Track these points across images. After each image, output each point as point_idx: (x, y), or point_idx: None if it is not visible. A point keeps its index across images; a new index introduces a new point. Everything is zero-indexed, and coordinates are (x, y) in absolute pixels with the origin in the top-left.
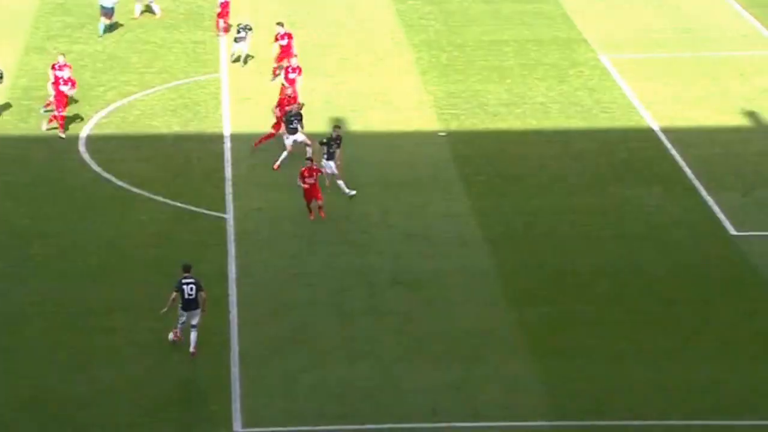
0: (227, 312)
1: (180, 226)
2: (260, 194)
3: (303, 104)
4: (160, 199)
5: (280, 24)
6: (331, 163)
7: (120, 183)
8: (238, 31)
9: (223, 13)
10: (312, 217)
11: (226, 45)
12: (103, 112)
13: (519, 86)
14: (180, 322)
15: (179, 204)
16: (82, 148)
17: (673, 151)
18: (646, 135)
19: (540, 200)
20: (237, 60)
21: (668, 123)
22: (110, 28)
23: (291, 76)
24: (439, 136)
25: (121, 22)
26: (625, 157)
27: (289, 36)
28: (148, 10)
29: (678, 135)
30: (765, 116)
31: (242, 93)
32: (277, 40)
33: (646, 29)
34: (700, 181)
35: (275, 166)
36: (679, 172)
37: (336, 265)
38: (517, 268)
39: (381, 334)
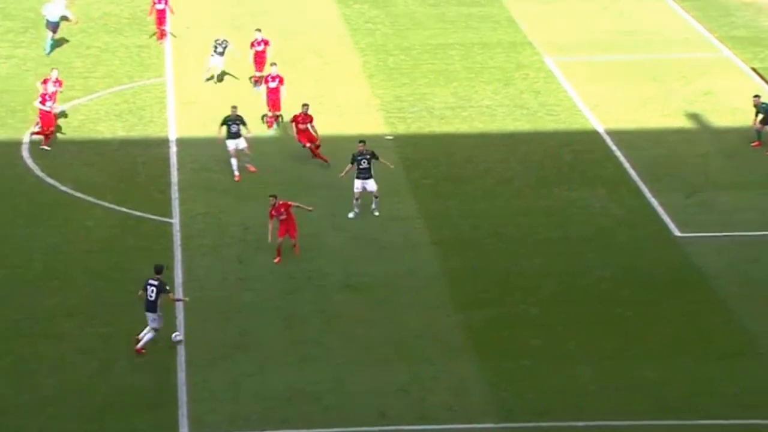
0: (173, 317)
1: (125, 232)
2: (206, 199)
3: (281, 114)
4: (106, 204)
5: (258, 30)
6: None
7: (64, 188)
8: (215, 47)
9: (160, 19)
10: (278, 261)
11: (171, 48)
12: None
13: (465, 89)
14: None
15: (125, 209)
16: (25, 153)
17: (618, 153)
18: (591, 137)
19: (486, 203)
20: (211, 78)
21: (613, 125)
22: (56, 43)
23: (271, 85)
24: (386, 139)
25: (63, 26)
26: (571, 160)
27: (266, 43)
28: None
29: (623, 137)
30: (707, 118)
31: (187, 97)
32: (253, 46)
33: (591, 32)
34: (644, 182)
35: (236, 178)
36: (623, 173)
37: (283, 269)
38: (464, 270)
39: (329, 337)
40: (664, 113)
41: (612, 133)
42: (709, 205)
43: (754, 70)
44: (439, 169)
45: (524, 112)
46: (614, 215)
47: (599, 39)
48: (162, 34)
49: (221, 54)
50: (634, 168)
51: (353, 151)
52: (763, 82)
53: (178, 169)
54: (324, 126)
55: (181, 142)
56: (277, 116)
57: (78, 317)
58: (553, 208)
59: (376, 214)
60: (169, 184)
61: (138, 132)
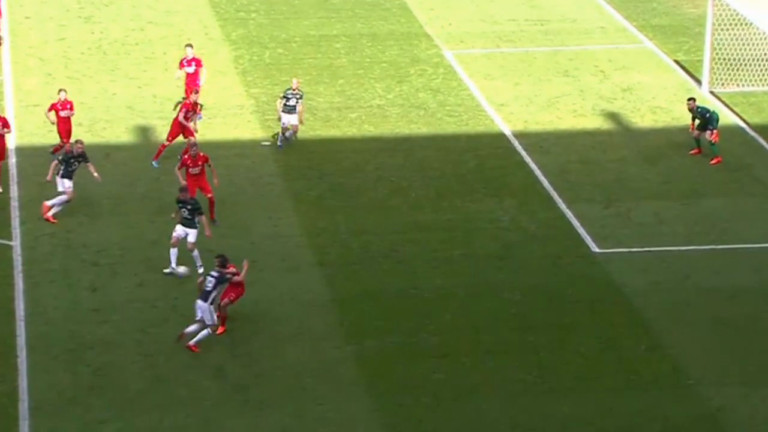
0: (15, 357)
1: None
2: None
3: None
4: None
5: (189, 46)
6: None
7: None
8: (287, 98)
9: None
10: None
11: (8, 44)
12: None
13: (353, 87)
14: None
15: None
16: None
17: (528, 159)
18: (496, 141)
19: (379, 217)
20: (278, 137)
21: (521, 127)
22: None
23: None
24: (262, 145)
25: None
26: (474, 166)
27: (198, 62)
28: None
29: (532, 140)
30: (627, 118)
31: (29, 99)
32: (182, 66)
33: (496, 22)
34: (557, 192)
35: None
36: (534, 182)
37: (143, 297)
38: (354, 294)
39: (197, 375)
40: (578, 113)
41: (520, 136)
42: (630, 217)
43: (678, 63)
44: (325, 179)
45: (421, 113)
46: (524, 229)
47: (505, 30)
48: None
49: (293, 109)
50: (545, 175)
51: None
52: (688, 77)
53: (19, 184)
54: (189, 131)
55: (22, 152)
56: (198, 104)
57: None
58: (455, 222)
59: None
60: (8, 201)
61: None
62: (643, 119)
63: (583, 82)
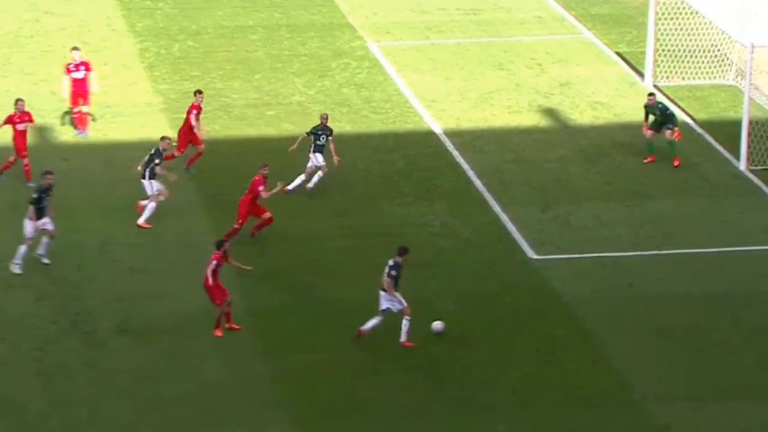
0: None
1: None
2: None
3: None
4: None
5: (75, 49)
6: None
7: None
8: (317, 135)
9: None
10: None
11: None
12: None
13: (270, 83)
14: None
15: None
16: None
17: (460, 159)
18: (426, 140)
19: (300, 222)
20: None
21: (453, 125)
22: None
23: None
24: (172, 146)
25: None
26: (403, 168)
27: (87, 66)
28: None
29: (464, 139)
30: (565, 114)
31: None
32: (69, 72)
33: (424, 11)
34: (492, 194)
35: None
36: (467, 184)
37: (40, 312)
38: (274, 307)
39: (102, 397)
40: (513, 109)
41: (452, 135)
42: (570, 221)
43: (620, 55)
44: (240, 183)
45: (345, 111)
46: (457, 235)
47: (435, 20)
48: None
49: (322, 148)
50: (479, 177)
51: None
52: (630, 70)
53: None
54: (90, 131)
55: None
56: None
57: None
58: (382, 227)
59: None
60: None
61: None
62: (582, 115)
63: (519, 76)
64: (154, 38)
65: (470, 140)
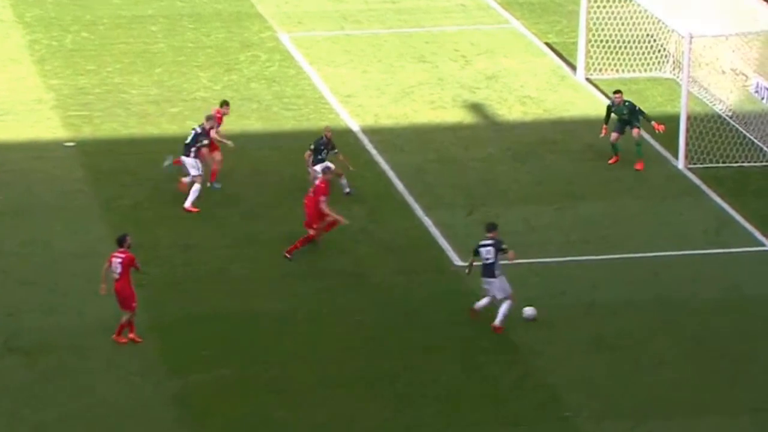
0: None
1: None
2: None
3: None
4: None
5: None
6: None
7: None
8: (319, 149)
9: None
10: None
11: None
12: None
13: (173, 77)
14: None
15: None
16: None
17: (379, 159)
18: (343, 138)
19: (207, 229)
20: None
21: (371, 121)
22: None
23: None
24: (65, 146)
25: None
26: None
27: None
28: None
29: (384, 137)
30: (492, 109)
31: None
32: None
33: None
34: (413, 196)
35: None
36: (387, 185)
37: None
38: (177, 320)
39: None
40: (436, 104)
41: (370, 132)
42: (498, 224)
43: (550, 45)
44: (142, 186)
45: (254, 107)
46: (377, 240)
47: (350, 9)
48: None
49: (322, 160)
50: (400, 178)
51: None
52: (561, 62)
53: None
54: None
55: None
56: None
57: None
58: (295, 234)
59: None
60: None
61: None
62: (510, 111)
63: (442, 68)
64: (45, 29)
65: (390, 138)
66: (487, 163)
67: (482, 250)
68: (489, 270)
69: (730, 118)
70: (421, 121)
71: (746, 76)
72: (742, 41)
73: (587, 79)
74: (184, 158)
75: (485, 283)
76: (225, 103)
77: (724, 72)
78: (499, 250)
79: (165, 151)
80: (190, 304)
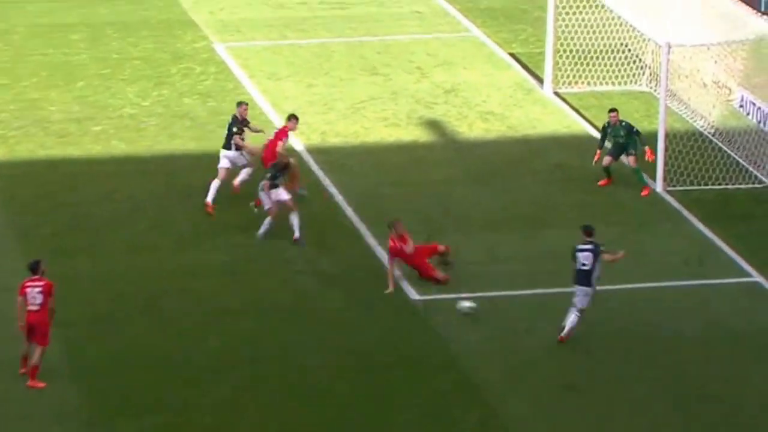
0: None
1: None
2: None
3: None
4: None
5: None
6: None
7: None
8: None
9: None
10: None
11: None
12: None
13: (97, 92)
14: None
15: None
16: None
17: (326, 181)
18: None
19: (134, 260)
20: None
21: (317, 140)
22: None
23: None
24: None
25: None
26: (251, 193)
27: None
28: None
29: (332, 157)
30: (452, 127)
31: None
32: None
33: (282, 5)
34: (365, 223)
35: None
36: (335, 211)
37: None
38: (101, 362)
39: None
40: (389, 121)
41: (316, 152)
42: (458, 254)
43: (514, 56)
44: (61, 212)
45: (188, 125)
46: (323, 272)
47: (294, 15)
48: None
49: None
50: (349, 202)
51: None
52: (527, 74)
53: None
54: None
55: None
56: None
57: None
58: (234, 264)
59: None
60: None
61: None
62: (471, 128)
63: (396, 81)
64: None
65: (339, 159)
66: (445, 186)
67: (580, 255)
68: (585, 278)
69: (713, 135)
70: (372, 140)
71: (730, 89)
72: (726, 51)
73: (555, 93)
74: (224, 152)
75: (579, 292)
76: (293, 117)
77: (705, 85)
78: (597, 255)
79: (87, 173)
80: (115, 343)
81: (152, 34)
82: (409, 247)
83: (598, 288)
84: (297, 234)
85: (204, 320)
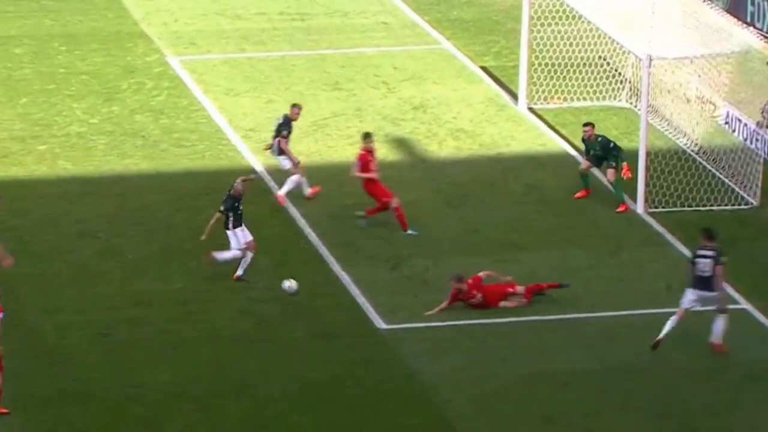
0: None
1: None
2: None
3: None
4: None
5: None
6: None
7: None
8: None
9: None
10: None
11: None
12: None
13: (41, 109)
14: None
15: None
16: None
17: (288, 204)
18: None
19: (82, 288)
20: None
21: (275, 160)
22: None
23: None
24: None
25: None
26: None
27: None
28: None
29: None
30: (420, 145)
31: None
32: None
33: (239, 16)
34: (329, 248)
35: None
36: (297, 234)
37: None
38: (48, 398)
39: None
40: (354, 140)
41: (276, 172)
42: (427, 280)
43: (486, 70)
44: (5, 238)
45: (139, 144)
46: (285, 300)
47: (252, 27)
48: None
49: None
50: (312, 226)
51: None
52: (500, 89)
53: None
54: None
55: None
56: None
57: None
58: (189, 292)
59: None
60: None
61: None
62: (441, 146)
63: (361, 97)
64: None
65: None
66: (414, 207)
67: (700, 261)
68: (707, 284)
69: (697, 153)
70: (336, 159)
71: (715, 105)
72: (710, 64)
73: (530, 109)
74: (278, 158)
75: (700, 299)
76: (367, 136)
77: (689, 100)
78: (717, 263)
79: (31, 196)
80: (61, 378)
81: (101, 47)
82: (477, 299)
83: (575, 316)
84: (240, 272)
85: (157, 351)
